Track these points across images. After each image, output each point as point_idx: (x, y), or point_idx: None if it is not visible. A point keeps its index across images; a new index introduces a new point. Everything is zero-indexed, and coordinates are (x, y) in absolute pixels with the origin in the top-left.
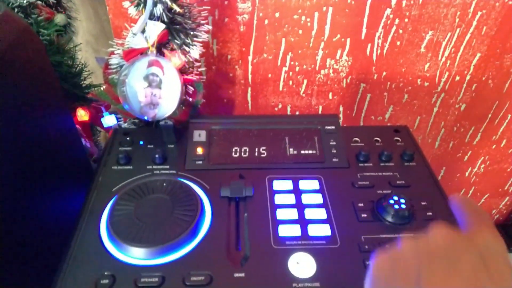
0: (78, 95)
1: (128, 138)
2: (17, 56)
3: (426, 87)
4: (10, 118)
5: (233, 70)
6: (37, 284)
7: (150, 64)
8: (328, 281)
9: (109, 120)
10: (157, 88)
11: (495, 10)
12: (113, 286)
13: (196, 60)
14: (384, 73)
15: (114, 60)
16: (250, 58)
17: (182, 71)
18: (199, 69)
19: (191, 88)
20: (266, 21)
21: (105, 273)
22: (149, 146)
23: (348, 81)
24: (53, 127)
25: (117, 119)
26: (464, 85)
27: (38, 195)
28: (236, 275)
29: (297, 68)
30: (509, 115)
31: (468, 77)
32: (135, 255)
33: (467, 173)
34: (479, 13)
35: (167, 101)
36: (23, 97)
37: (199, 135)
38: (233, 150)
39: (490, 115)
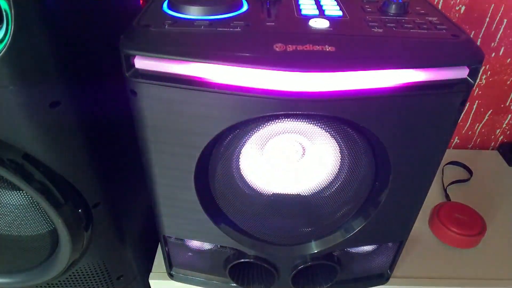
0: None
1: None
2: None
3: None
4: None
5: None
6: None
7: None
8: (338, 28)
9: None
10: None
11: None
12: (176, 24)
13: None
14: None
15: None
16: None
17: None
18: None
19: None
20: None
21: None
22: None
23: None
24: None
25: None
26: None
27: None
28: (268, 23)
29: None
30: (505, 20)
31: None
32: (191, 12)
33: None
34: None
35: None
36: None
37: None
38: None
39: (487, 19)
